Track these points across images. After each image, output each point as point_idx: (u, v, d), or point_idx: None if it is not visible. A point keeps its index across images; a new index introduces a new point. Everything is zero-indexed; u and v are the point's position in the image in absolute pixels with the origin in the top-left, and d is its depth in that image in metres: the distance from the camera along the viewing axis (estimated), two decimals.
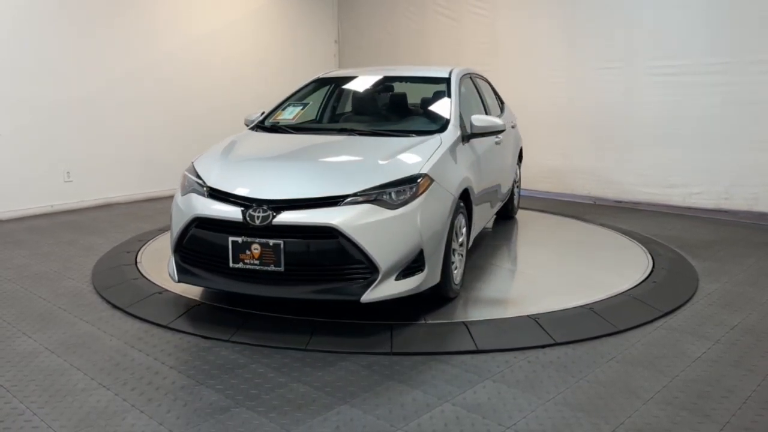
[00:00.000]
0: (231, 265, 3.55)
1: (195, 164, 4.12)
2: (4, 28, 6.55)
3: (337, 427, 2.65)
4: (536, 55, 7.95)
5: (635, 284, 4.43)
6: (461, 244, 4.19)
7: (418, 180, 3.65)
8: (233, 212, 3.56)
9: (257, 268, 3.50)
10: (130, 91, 7.61)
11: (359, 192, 3.54)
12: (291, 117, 4.94)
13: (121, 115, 7.56)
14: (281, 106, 5.10)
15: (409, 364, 3.25)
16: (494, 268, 4.90)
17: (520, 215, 6.72)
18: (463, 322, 3.72)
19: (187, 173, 4.04)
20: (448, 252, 3.85)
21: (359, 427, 2.65)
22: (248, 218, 3.50)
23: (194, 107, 8.26)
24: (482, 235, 5.79)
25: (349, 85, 5.45)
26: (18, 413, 2.77)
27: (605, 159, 7.55)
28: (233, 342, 3.49)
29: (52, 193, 7.02)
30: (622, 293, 4.24)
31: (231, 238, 3.53)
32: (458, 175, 4.05)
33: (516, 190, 6.56)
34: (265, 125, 4.88)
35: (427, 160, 3.83)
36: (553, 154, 7.80)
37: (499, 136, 5.19)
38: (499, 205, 5.76)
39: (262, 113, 5.05)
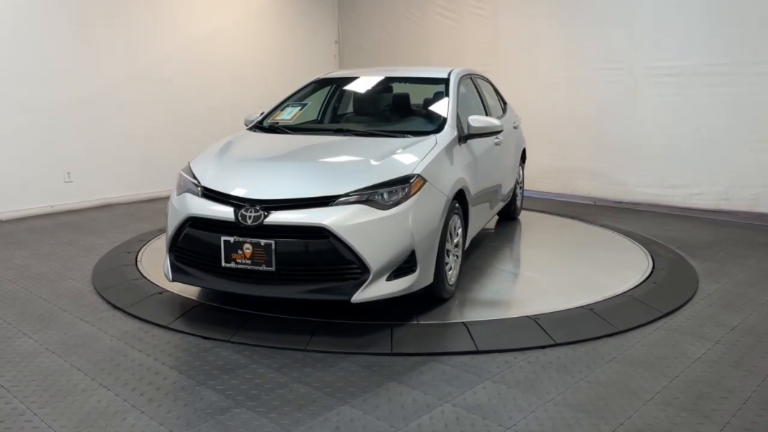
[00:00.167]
0: (223, 264, 3.57)
1: (191, 164, 4.16)
2: (4, 29, 6.55)
3: (337, 427, 2.66)
4: (536, 56, 7.96)
5: (635, 285, 4.43)
6: (456, 245, 4.19)
7: (411, 180, 3.66)
8: (226, 212, 3.59)
9: (249, 267, 3.52)
10: (131, 92, 7.62)
11: (351, 192, 3.55)
12: (289, 117, 4.95)
13: (121, 115, 7.56)
14: (280, 106, 5.12)
15: (409, 364, 3.25)
16: (494, 268, 4.90)
17: (521, 216, 6.72)
18: (463, 323, 3.73)
19: (183, 173, 4.07)
20: (442, 253, 3.86)
21: (359, 428, 2.65)
22: (240, 218, 3.52)
23: (194, 107, 8.27)
24: (483, 236, 5.80)
25: (348, 86, 5.46)
26: (18, 413, 2.77)
27: (605, 159, 7.55)
28: (233, 342, 3.50)
29: (52, 194, 7.03)
30: (622, 294, 4.24)
31: (223, 238, 3.55)
32: (452, 176, 4.04)
33: (519, 191, 6.54)
34: (264, 125, 4.90)
35: (421, 161, 3.83)
36: (554, 155, 7.81)
37: (499, 136, 5.19)
38: (499, 206, 5.76)
39: (262, 113, 5.07)
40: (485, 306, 4.10)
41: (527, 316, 3.81)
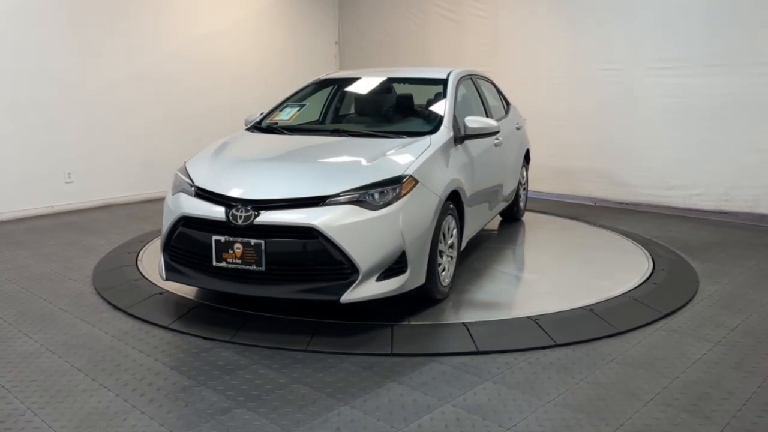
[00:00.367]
0: (214, 263, 3.60)
1: (187, 164, 4.20)
2: (5, 30, 6.55)
3: (337, 428, 2.66)
4: (536, 56, 7.96)
5: (635, 286, 4.43)
6: (451, 246, 4.19)
7: (402, 181, 3.66)
8: (217, 212, 3.62)
9: (239, 267, 3.54)
10: (131, 92, 7.62)
11: (342, 192, 3.56)
12: (288, 118, 4.97)
13: (121, 115, 7.56)
14: (279, 107, 5.14)
15: (409, 365, 3.25)
16: (494, 269, 4.90)
17: (524, 217, 6.69)
18: (464, 324, 3.73)
19: (178, 173, 4.11)
20: (434, 253, 3.85)
21: (360, 428, 2.65)
22: (231, 218, 3.54)
23: (195, 108, 8.27)
24: (484, 237, 5.80)
25: (348, 87, 5.47)
26: (19, 414, 2.77)
27: (606, 160, 7.55)
28: (234, 343, 3.50)
29: (53, 194, 7.03)
30: (622, 295, 4.24)
31: (214, 237, 3.58)
32: (446, 177, 4.04)
33: (522, 192, 6.51)
34: (262, 126, 4.92)
35: (413, 162, 3.84)
36: (554, 156, 7.80)
37: (499, 137, 5.19)
38: (500, 207, 5.75)
39: (261, 113, 5.10)
40: (482, 307, 4.10)
41: (527, 317, 3.82)
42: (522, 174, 6.40)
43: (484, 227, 5.94)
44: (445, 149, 4.20)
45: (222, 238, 3.55)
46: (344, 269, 3.46)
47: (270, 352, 3.39)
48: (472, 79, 5.43)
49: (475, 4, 8.45)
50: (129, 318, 3.90)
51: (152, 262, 4.90)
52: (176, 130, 8.05)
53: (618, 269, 4.90)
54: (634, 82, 7.19)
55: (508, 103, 6.29)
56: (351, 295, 3.46)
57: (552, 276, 4.80)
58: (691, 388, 3.02)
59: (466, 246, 4.90)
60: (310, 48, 9.75)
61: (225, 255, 3.55)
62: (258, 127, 4.91)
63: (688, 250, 5.48)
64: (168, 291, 4.25)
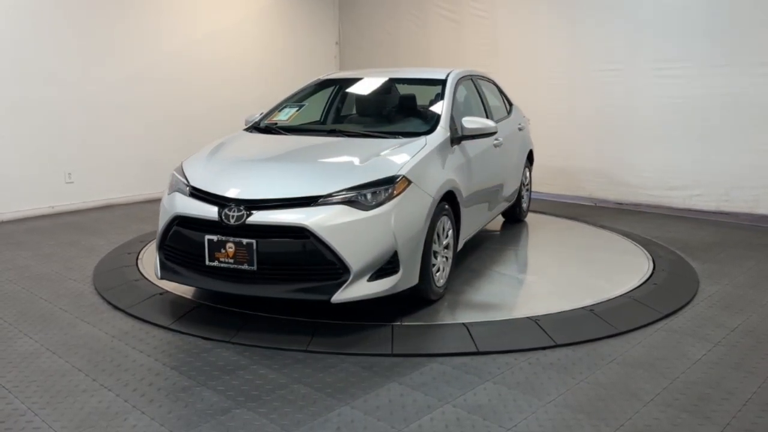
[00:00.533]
0: (207, 263, 3.62)
1: (183, 164, 4.23)
2: (5, 30, 6.56)
3: (338, 428, 2.66)
4: (536, 57, 7.96)
5: (636, 286, 4.43)
6: (446, 247, 4.19)
7: (395, 181, 3.67)
8: (210, 211, 3.64)
9: (232, 266, 3.55)
10: (131, 92, 7.62)
11: (334, 192, 3.57)
12: (286, 118, 4.99)
13: (122, 116, 7.57)
14: (278, 107, 5.16)
15: (409, 365, 3.25)
16: (493, 270, 4.90)
17: (527, 218, 6.67)
18: (464, 324, 3.73)
19: (175, 173, 4.14)
20: (428, 254, 3.85)
21: (360, 429, 2.65)
22: (224, 217, 3.56)
23: (195, 108, 8.27)
24: (485, 238, 5.80)
25: (347, 87, 5.48)
26: (19, 414, 2.77)
27: (606, 160, 7.55)
28: (234, 343, 3.50)
29: (53, 194, 7.03)
30: (622, 295, 4.24)
31: (207, 237, 3.60)
32: (440, 177, 4.03)
33: (525, 192, 6.48)
34: (260, 126, 4.94)
35: (407, 162, 3.84)
36: (554, 156, 7.80)
37: (499, 138, 5.19)
38: (501, 208, 5.74)
39: (261, 113, 5.12)
40: (480, 308, 4.09)
41: (528, 317, 3.82)
42: (525, 175, 6.38)
43: (486, 228, 5.95)
44: (440, 150, 4.20)
45: (215, 238, 3.57)
46: (335, 269, 3.47)
47: (270, 353, 3.39)
48: (472, 79, 5.43)
49: (474, 5, 8.46)
50: (129, 318, 3.90)
51: (152, 263, 4.88)
52: (176, 130, 8.05)
53: (618, 270, 4.90)
54: (634, 83, 7.19)
55: (510, 104, 6.26)
56: (342, 295, 3.47)
57: (552, 276, 4.80)
58: (692, 389, 3.02)
59: (466, 246, 4.90)
60: (310, 48, 9.75)
61: (218, 254, 3.57)
62: (256, 128, 4.93)
63: (688, 250, 5.48)
64: (168, 291, 4.25)
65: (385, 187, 3.63)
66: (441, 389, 2.99)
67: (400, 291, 3.70)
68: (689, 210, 6.95)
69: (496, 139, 5.16)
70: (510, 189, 5.80)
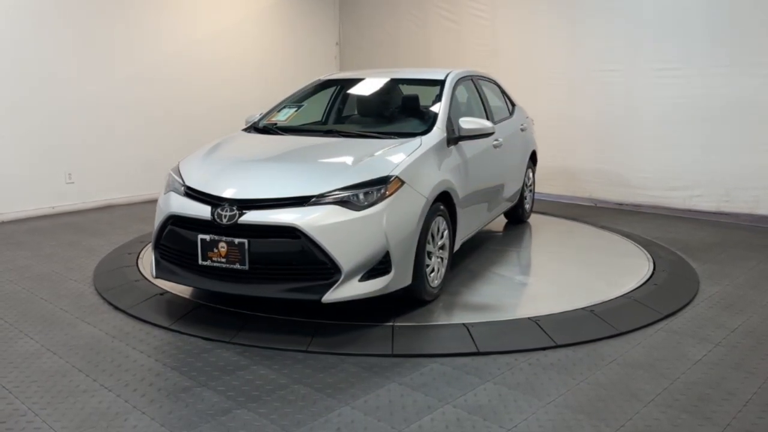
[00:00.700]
0: (200, 262, 3.64)
1: (180, 164, 4.26)
2: (5, 31, 6.56)
3: (338, 428, 2.66)
4: (536, 57, 7.97)
5: (636, 287, 4.43)
6: (442, 247, 4.19)
7: (388, 182, 3.67)
8: (203, 211, 3.66)
9: (224, 266, 3.57)
10: (132, 93, 7.63)
11: (326, 193, 3.58)
12: (284, 119, 5.00)
13: (122, 116, 7.57)
14: (277, 107, 5.18)
15: (410, 365, 3.25)
16: (492, 271, 4.89)
17: (530, 219, 6.65)
18: (464, 324, 3.73)
19: (171, 172, 4.17)
20: (422, 254, 3.85)
21: (360, 429, 2.65)
22: (216, 217, 3.59)
23: (195, 108, 8.28)
24: (486, 239, 5.81)
25: (345, 87, 5.50)
26: (20, 414, 2.77)
27: (606, 161, 7.55)
28: (234, 343, 3.50)
29: (53, 195, 7.04)
30: (622, 296, 4.24)
31: (200, 236, 3.62)
32: (435, 178, 4.02)
33: (528, 193, 6.45)
34: (258, 126, 4.96)
35: (401, 163, 3.84)
36: (554, 157, 7.80)
37: (498, 138, 5.19)
38: (502, 208, 5.73)
39: (261, 114, 5.15)
40: (486, 307, 4.09)
41: (528, 318, 3.82)
42: (528, 176, 6.35)
43: (488, 229, 5.96)
44: (436, 150, 4.20)
45: (207, 237, 3.59)
46: (326, 269, 3.48)
47: (270, 353, 3.39)
48: (473, 79, 5.43)
49: (474, 5, 8.46)
50: (130, 318, 3.90)
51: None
52: (177, 130, 8.05)
53: (618, 270, 4.90)
54: (634, 83, 7.19)
55: (513, 104, 6.24)
56: (333, 295, 3.48)
57: (552, 277, 4.81)
58: (692, 389, 3.02)
59: (465, 247, 4.90)
60: (310, 48, 9.76)
61: (210, 254, 3.59)
62: (255, 128, 4.95)
63: (688, 251, 5.48)
64: (168, 291, 4.25)
65: (378, 187, 3.64)
66: (441, 390, 3.00)
67: (392, 291, 3.70)
68: (689, 210, 6.95)
69: (496, 140, 5.15)
70: (511, 190, 5.79)
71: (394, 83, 5.27)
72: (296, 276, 3.53)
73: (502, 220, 6.39)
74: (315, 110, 5.49)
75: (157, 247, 3.93)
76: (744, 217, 6.61)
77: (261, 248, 3.51)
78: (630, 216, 6.99)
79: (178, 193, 3.91)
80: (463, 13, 8.62)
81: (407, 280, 3.77)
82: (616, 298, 4.19)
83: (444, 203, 4.16)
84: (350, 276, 3.49)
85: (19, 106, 6.70)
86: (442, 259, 4.20)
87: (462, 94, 5.22)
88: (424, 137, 4.24)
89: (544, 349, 3.45)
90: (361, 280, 3.54)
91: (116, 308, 4.06)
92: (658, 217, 6.90)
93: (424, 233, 3.86)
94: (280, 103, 5.25)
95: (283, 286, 3.54)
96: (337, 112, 5.51)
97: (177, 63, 8.05)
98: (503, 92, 6.15)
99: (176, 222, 3.79)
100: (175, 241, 3.80)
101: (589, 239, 5.97)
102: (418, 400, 2.90)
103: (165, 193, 4.02)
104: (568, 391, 2.98)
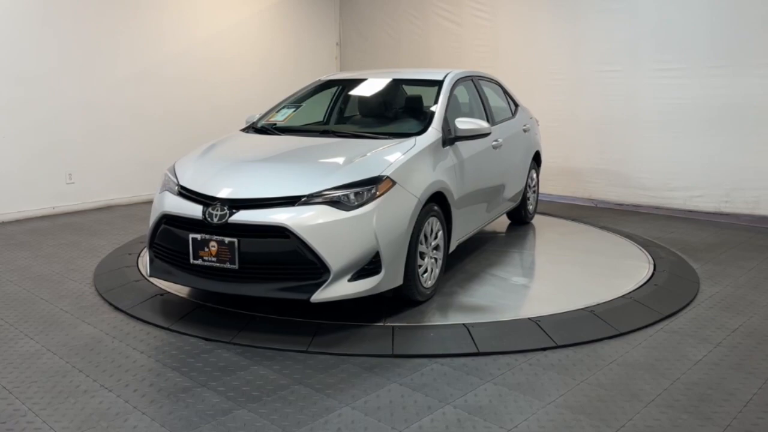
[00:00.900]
0: (192, 261, 3.66)
1: (176, 164, 4.29)
2: (6, 31, 6.57)
3: (338, 429, 2.66)
4: (537, 57, 7.97)
5: (636, 287, 4.43)
6: (436, 248, 4.18)
7: (379, 182, 3.67)
8: (195, 210, 3.69)
9: (215, 265, 3.59)
10: (132, 93, 7.63)
11: (316, 193, 3.59)
12: (282, 119, 5.02)
13: (122, 117, 7.58)
14: (276, 107, 5.19)
15: (410, 366, 3.25)
16: (494, 270, 4.89)
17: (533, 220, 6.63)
18: (464, 325, 3.73)
19: (167, 172, 4.20)
20: (413, 255, 3.84)
21: (360, 429, 2.65)
22: (207, 216, 3.61)
23: (196, 109, 8.28)
24: (486, 239, 5.81)
25: (345, 88, 5.50)
26: (20, 414, 2.77)
27: (606, 162, 7.55)
28: (235, 344, 3.50)
29: (53, 195, 7.04)
30: (623, 296, 4.24)
31: (191, 235, 3.64)
32: (427, 178, 4.01)
33: (532, 194, 6.42)
34: (256, 127, 4.97)
35: (393, 163, 3.84)
36: (554, 157, 7.80)
37: (498, 139, 5.19)
38: (502, 209, 5.70)
39: (260, 114, 5.15)
40: (486, 307, 4.09)
41: (528, 318, 3.82)
42: (531, 176, 6.31)
43: (491, 230, 5.96)
44: (431, 150, 4.20)
45: (199, 236, 3.61)
46: (315, 269, 3.48)
47: (271, 353, 3.39)
48: (473, 80, 5.42)
49: (475, 5, 8.46)
50: (130, 319, 3.90)
51: None
52: (177, 131, 8.05)
53: (618, 271, 4.90)
54: (634, 84, 7.19)
55: (516, 105, 6.21)
56: (321, 295, 3.48)
57: (551, 278, 4.80)
58: (692, 390, 3.02)
59: (465, 248, 4.90)
60: (311, 49, 9.77)
61: (201, 253, 3.61)
62: (253, 128, 4.97)
63: (688, 251, 5.48)
64: (169, 292, 4.26)
65: (369, 187, 3.64)
66: (442, 390, 2.99)
67: (382, 291, 3.70)
68: (690, 211, 6.95)
69: (495, 140, 5.15)
70: (512, 191, 5.77)
71: (394, 83, 5.27)
72: (286, 275, 3.54)
73: (505, 222, 6.39)
74: (316, 110, 5.49)
75: (152, 246, 3.96)
76: (744, 217, 6.61)
77: (251, 248, 3.53)
78: (630, 216, 6.99)
79: (172, 192, 3.94)
80: (463, 13, 8.62)
81: (398, 281, 3.77)
82: (617, 298, 4.19)
83: (438, 204, 4.16)
84: (339, 276, 3.50)
85: (19, 107, 6.70)
86: (436, 259, 4.20)
87: (462, 94, 5.22)
88: (418, 137, 4.24)
89: (544, 349, 3.45)
90: (351, 280, 3.54)
91: (116, 308, 4.06)
92: (659, 218, 6.90)
93: (417, 234, 3.86)
94: (280, 103, 5.26)
95: (272, 286, 3.55)
96: (339, 112, 5.52)
97: (178, 63, 8.06)
98: (506, 93, 6.13)
99: (169, 221, 3.82)
100: (169, 240, 3.83)
101: (589, 240, 5.97)
102: (419, 400, 2.90)
103: (160, 193, 4.05)
104: (569, 392, 2.98)
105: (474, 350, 3.42)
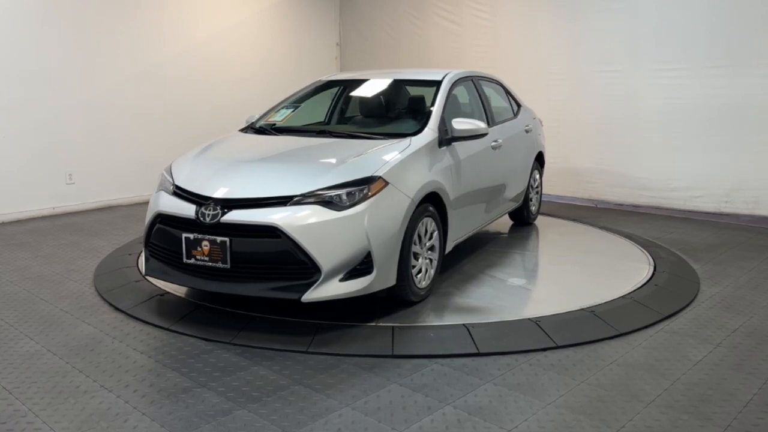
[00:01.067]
0: (185, 260, 3.68)
1: (172, 164, 4.32)
2: (6, 31, 6.57)
3: (338, 429, 2.66)
4: (537, 58, 7.97)
5: (636, 287, 4.42)
6: (431, 248, 4.17)
7: (371, 182, 3.67)
8: (188, 209, 3.71)
9: (207, 264, 3.61)
10: (132, 94, 7.63)
11: (308, 193, 3.59)
12: (281, 119, 5.03)
13: (123, 117, 7.58)
14: (276, 107, 5.20)
15: (410, 366, 3.25)
16: (492, 271, 4.89)
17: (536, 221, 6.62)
18: (464, 325, 3.72)
19: (163, 172, 4.22)
20: (407, 255, 3.84)
21: (360, 430, 2.65)
22: (200, 216, 3.63)
23: (196, 109, 8.28)
24: (487, 240, 5.80)
25: (345, 88, 5.51)
26: (20, 415, 2.77)
27: (606, 162, 7.55)
28: (235, 344, 3.50)
29: (54, 196, 7.04)
30: (623, 296, 4.24)
31: (184, 235, 3.66)
32: (421, 179, 4.00)
33: (534, 195, 6.40)
34: (254, 127, 4.99)
35: (386, 163, 3.84)
36: (555, 157, 7.79)
37: (498, 139, 5.18)
38: (502, 210, 5.67)
39: (260, 114, 5.17)
40: (487, 307, 4.09)
41: (528, 319, 3.82)
42: (533, 177, 6.28)
43: (493, 230, 5.96)
44: (426, 151, 4.19)
45: (191, 236, 3.63)
46: (306, 269, 3.48)
47: (271, 354, 3.39)
48: (473, 80, 5.41)
49: (475, 5, 8.46)
50: (130, 319, 3.90)
51: None
52: (177, 130, 8.05)
53: (619, 271, 4.90)
54: (634, 84, 7.19)
55: (518, 105, 6.19)
56: (312, 295, 3.49)
57: (551, 278, 4.81)
58: (692, 390, 3.02)
59: (465, 248, 4.90)
60: (311, 49, 9.77)
61: (194, 252, 3.63)
62: (251, 128, 4.98)
63: (689, 251, 5.48)
64: (169, 292, 4.26)
65: (361, 187, 3.64)
66: (442, 390, 2.99)
67: (375, 291, 3.70)
68: (690, 211, 6.95)
69: (495, 141, 5.14)
70: (513, 191, 5.75)
71: (393, 84, 5.26)
72: (277, 275, 3.54)
73: (507, 222, 6.38)
74: (316, 111, 5.49)
75: (147, 245, 3.98)
76: (744, 217, 6.61)
77: (242, 247, 3.54)
78: (630, 217, 6.99)
79: (168, 192, 3.96)
80: (463, 13, 8.62)
81: (391, 281, 3.77)
82: (617, 298, 4.19)
83: (434, 204, 4.15)
84: (330, 276, 3.50)
85: (19, 107, 6.70)
86: (431, 260, 4.19)
87: (462, 94, 5.22)
88: (414, 138, 4.23)
89: (544, 349, 3.45)
90: (342, 279, 3.55)
91: (117, 309, 4.06)
92: (659, 218, 6.90)
93: (410, 234, 3.85)
94: (280, 103, 5.26)
95: (264, 285, 3.56)
96: (340, 112, 5.52)
97: (178, 63, 8.06)
98: (508, 93, 6.11)
99: (164, 221, 3.84)
100: (163, 239, 3.85)
101: (589, 240, 5.96)
102: (419, 400, 2.90)
103: (156, 192, 4.07)
104: (569, 392, 2.98)
105: (474, 350, 3.42)
